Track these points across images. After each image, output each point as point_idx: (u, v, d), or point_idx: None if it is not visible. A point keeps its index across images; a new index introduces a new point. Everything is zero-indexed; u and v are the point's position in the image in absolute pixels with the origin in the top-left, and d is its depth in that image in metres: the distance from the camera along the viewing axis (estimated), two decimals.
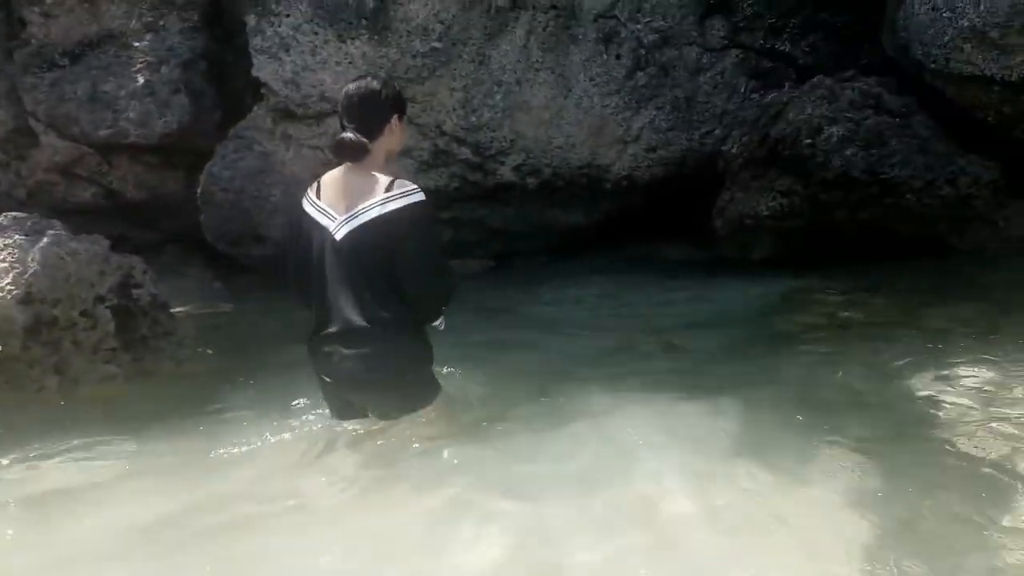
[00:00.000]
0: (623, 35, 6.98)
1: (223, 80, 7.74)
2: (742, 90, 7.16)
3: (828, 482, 2.52)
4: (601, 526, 2.32)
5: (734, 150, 5.64)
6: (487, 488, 2.55)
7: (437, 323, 2.83)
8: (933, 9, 5.22)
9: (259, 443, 3.12)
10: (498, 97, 6.84)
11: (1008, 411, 2.88)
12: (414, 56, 6.60)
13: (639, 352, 4.09)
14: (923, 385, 3.21)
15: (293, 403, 3.40)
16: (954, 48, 5.08)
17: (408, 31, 6.55)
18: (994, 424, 2.77)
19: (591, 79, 6.95)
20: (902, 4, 5.66)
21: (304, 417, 3.25)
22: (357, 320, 2.63)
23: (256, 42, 6.71)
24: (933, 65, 5.25)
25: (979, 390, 3.13)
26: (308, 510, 2.65)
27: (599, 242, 8.07)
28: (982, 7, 4.77)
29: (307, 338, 2.82)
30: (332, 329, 2.69)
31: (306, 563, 2.26)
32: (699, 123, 7.13)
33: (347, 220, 2.66)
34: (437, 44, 6.61)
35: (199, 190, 7.08)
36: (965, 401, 3.03)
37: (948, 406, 3.00)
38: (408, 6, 6.53)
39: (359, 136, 2.75)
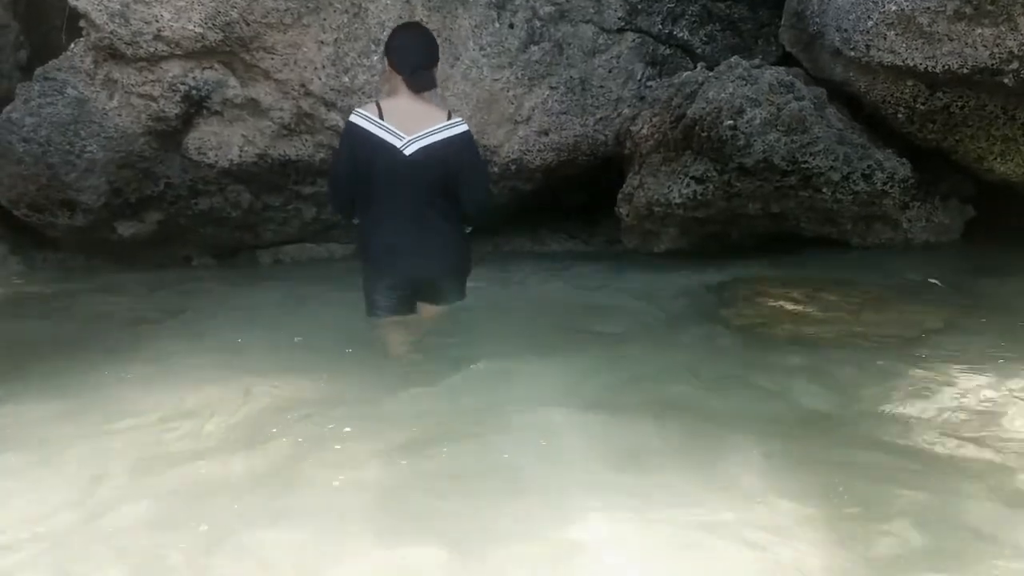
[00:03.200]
0: (517, 2, 6.30)
1: (32, 15, 6.33)
2: (638, 77, 6.69)
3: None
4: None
5: (644, 131, 5.09)
6: None
7: (469, 229, 3.49)
8: None
9: None
10: (375, 58, 5.95)
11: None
12: None
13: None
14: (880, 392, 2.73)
15: None
16: (877, 35, 4.79)
17: None
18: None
19: (481, 48, 6.22)
20: None
21: None
22: (428, 220, 3.24)
23: None
24: (852, 52, 4.95)
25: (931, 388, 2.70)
26: None
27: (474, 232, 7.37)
28: None
29: (362, 242, 3.39)
30: (400, 228, 3.24)
31: None
32: (593, 108, 6.58)
33: (416, 139, 3.24)
34: None
35: None
36: (919, 408, 2.57)
37: (912, 415, 2.52)
38: None
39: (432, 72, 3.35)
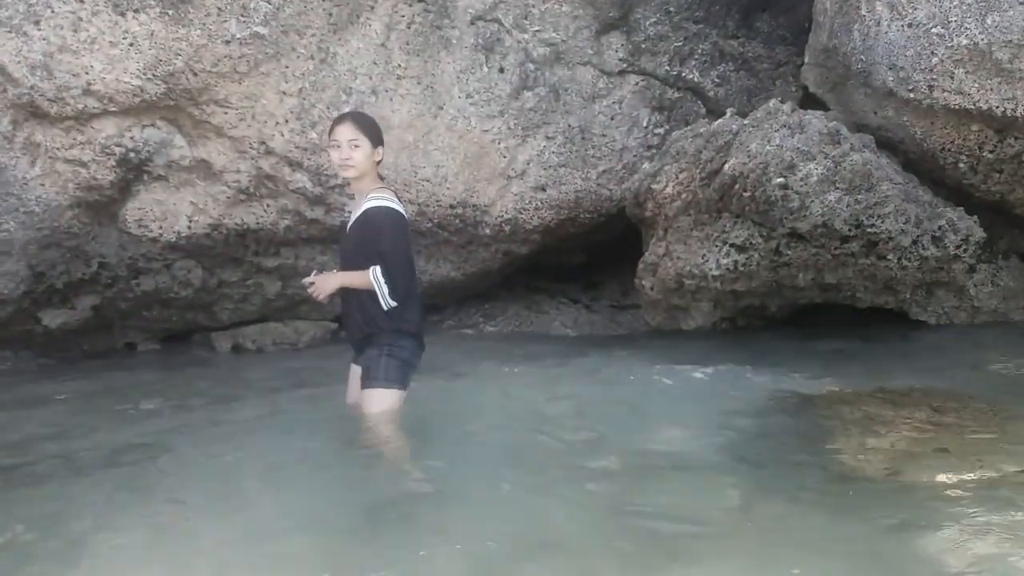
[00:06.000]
0: (507, 44, 5.55)
1: None
2: (644, 123, 5.96)
3: None
4: None
5: (668, 189, 4.29)
6: None
7: None
8: (910, 26, 4.22)
9: None
10: (346, 109, 5.11)
11: None
12: (228, 42, 4.74)
13: None
14: None
15: None
16: (942, 73, 4.08)
17: (219, 7, 4.69)
18: None
19: (468, 95, 5.43)
20: (855, 24, 4.64)
21: None
22: None
23: None
24: (910, 93, 4.23)
25: None
26: None
27: (467, 301, 6.51)
28: (989, 21, 3.79)
29: (408, 318, 3.09)
30: None
31: None
32: (595, 159, 5.82)
33: None
34: (261, 29, 4.80)
35: None
36: None
37: None
38: None
39: None
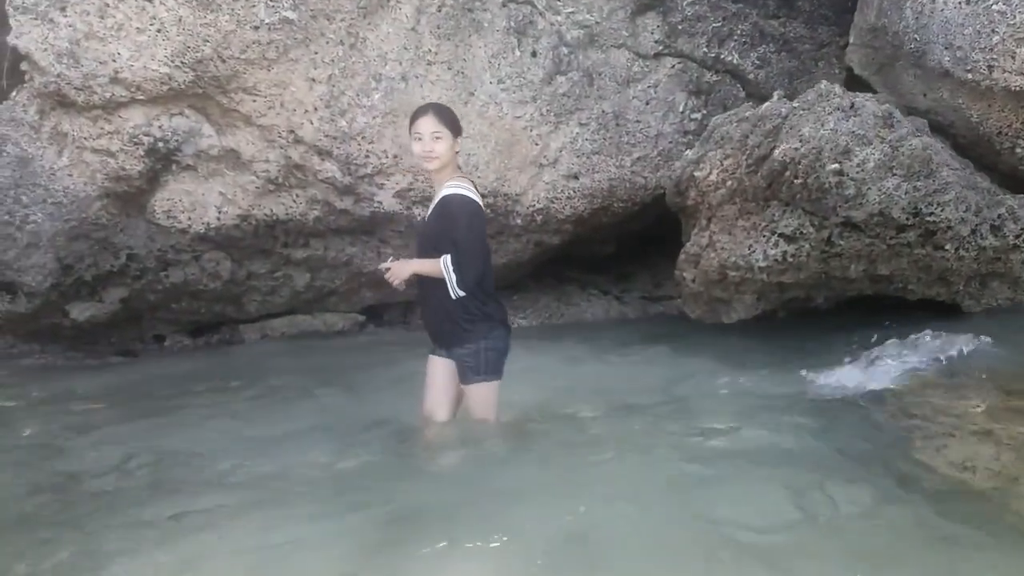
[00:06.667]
0: (540, 27, 5.38)
1: None
2: (680, 108, 5.78)
3: None
4: None
5: (713, 176, 4.12)
6: None
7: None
8: (968, 2, 4.02)
9: None
10: (376, 96, 5.00)
11: None
12: (256, 28, 4.62)
13: None
14: None
15: None
16: (1003, 52, 3.88)
17: None
18: None
19: (499, 81, 5.28)
20: (907, 2, 4.45)
21: None
22: None
23: None
24: (968, 74, 4.04)
25: None
26: None
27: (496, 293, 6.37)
28: None
29: (492, 309, 3.08)
30: None
31: None
32: (629, 146, 5.65)
33: None
34: (290, 14, 4.68)
35: None
36: None
37: None
38: None
39: None
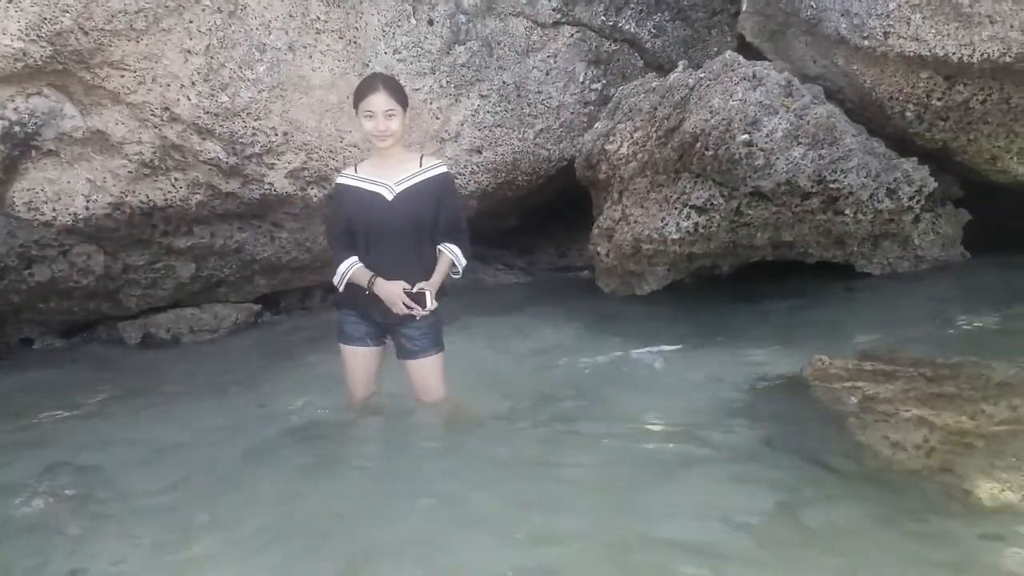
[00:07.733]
0: None
1: None
2: (580, 78, 5.67)
3: None
4: None
5: (623, 149, 4.04)
6: None
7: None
8: None
9: None
10: (261, 68, 4.63)
11: None
12: None
13: None
14: None
15: None
16: (899, 19, 3.96)
17: None
18: None
19: (395, 51, 5.00)
20: None
21: None
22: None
23: None
24: (865, 41, 4.11)
25: None
26: None
27: None
28: None
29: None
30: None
31: None
32: (532, 118, 5.51)
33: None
34: None
35: None
36: None
37: None
38: None
39: None
